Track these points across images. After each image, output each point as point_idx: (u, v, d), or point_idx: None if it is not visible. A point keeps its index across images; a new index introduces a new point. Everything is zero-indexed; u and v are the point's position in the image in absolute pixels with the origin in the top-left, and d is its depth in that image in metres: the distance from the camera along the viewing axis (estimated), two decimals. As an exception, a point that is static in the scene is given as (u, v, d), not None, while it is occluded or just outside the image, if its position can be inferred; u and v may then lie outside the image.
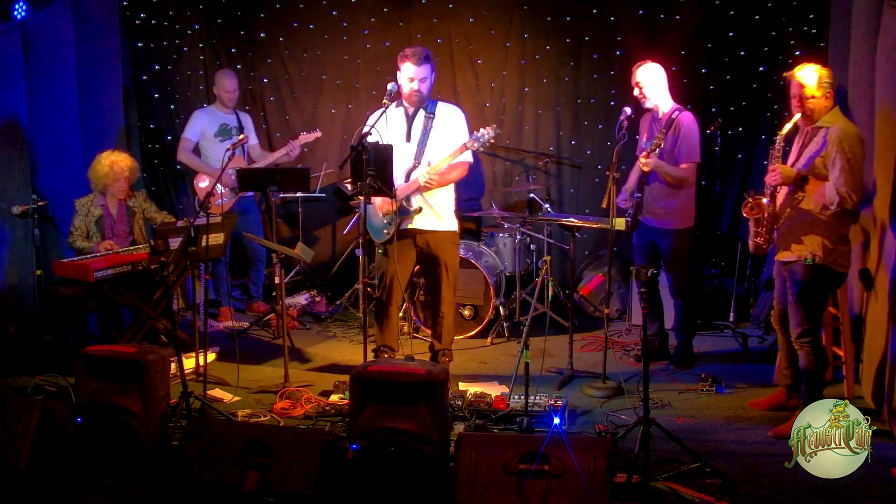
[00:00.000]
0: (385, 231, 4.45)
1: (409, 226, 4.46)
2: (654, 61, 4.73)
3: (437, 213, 4.49)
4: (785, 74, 3.87)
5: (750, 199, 3.87)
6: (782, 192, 3.87)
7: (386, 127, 4.31)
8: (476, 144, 4.37)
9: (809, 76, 3.71)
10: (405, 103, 4.47)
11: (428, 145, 4.45)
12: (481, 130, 4.35)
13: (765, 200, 3.85)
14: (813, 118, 3.76)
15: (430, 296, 4.73)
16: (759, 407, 4.22)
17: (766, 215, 3.87)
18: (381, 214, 4.46)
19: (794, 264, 3.82)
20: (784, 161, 3.90)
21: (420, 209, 4.42)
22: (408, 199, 4.42)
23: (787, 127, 3.81)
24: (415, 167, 4.44)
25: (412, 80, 4.36)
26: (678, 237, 4.77)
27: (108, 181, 5.01)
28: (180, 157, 6.06)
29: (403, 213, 4.41)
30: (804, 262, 3.76)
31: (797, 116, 3.79)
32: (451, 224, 4.57)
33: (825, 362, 4.00)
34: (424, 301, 5.46)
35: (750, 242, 4.01)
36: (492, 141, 4.39)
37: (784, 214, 3.85)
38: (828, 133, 3.69)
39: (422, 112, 4.47)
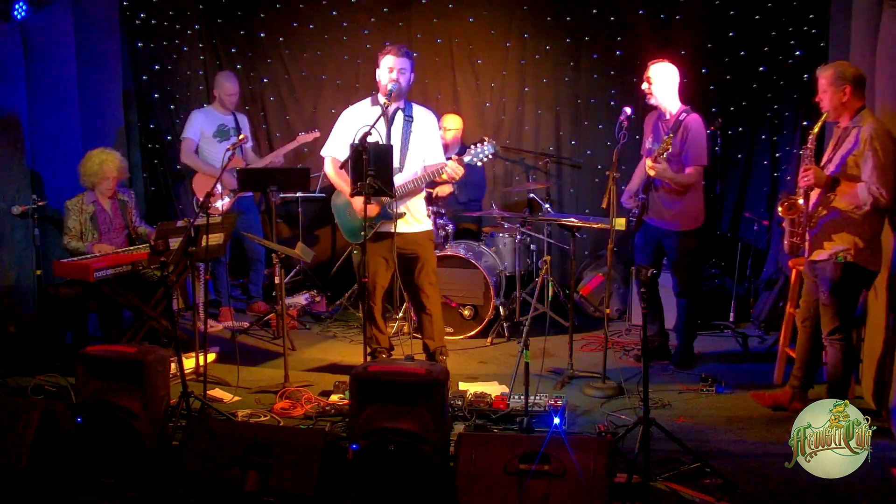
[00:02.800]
0: (362, 233, 4.41)
1: (387, 229, 4.43)
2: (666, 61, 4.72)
3: (414, 217, 4.53)
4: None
5: (786, 200, 3.91)
6: (815, 193, 3.88)
7: (367, 127, 4.26)
8: (475, 160, 4.37)
9: (825, 71, 3.80)
10: (381, 100, 4.45)
11: (410, 149, 4.46)
12: (479, 146, 4.34)
13: (800, 201, 3.88)
14: (836, 112, 3.80)
15: (412, 297, 4.70)
16: (761, 399, 4.22)
17: (800, 216, 3.90)
18: (359, 217, 4.34)
19: (825, 262, 3.85)
20: (818, 161, 3.93)
21: (404, 213, 4.43)
22: (393, 203, 4.40)
23: (818, 126, 3.86)
24: (398, 171, 4.43)
25: (392, 69, 4.38)
26: (684, 238, 4.75)
27: (97, 179, 5.05)
28: (184, 159, 6.04)
29: (387, 216, 4.39)
30: (835, 261, 3.80)
31: (824, 115, 3.84)
32: (427, 224, 4.65)
33: (853, 361, 4.03)
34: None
35: (785, 242, 4.03)
36: (490, 156, 4.41)
37: (817, 214, 3.87)
38: (860, 132, 3.72)
39: (400, 114, 4.48)
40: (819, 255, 3.88)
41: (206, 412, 4.02)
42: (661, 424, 3.53)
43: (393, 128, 4.47)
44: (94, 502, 3.38)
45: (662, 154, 4.52)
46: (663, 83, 4.67)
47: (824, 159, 3.95)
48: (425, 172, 4.48)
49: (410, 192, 4.46)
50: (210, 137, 5.96)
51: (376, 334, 4.69)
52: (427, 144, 4.51)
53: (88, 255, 4.85)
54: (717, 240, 6.27)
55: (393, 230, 4.33)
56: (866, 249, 3.77)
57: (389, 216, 4.37)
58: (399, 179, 4.41)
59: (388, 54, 4.41)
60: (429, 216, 4.78)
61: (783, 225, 4.06)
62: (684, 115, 4.65)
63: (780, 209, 3.93)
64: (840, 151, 3.82)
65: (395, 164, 4.41)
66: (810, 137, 3.87)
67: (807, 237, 3.92)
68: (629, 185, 5.00)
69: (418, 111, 4.54)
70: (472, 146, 4.40)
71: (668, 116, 4.73)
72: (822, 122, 3.86)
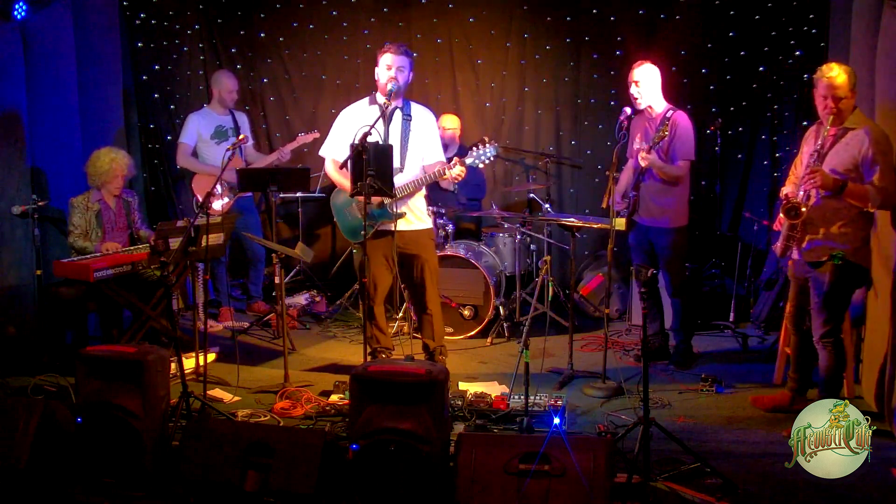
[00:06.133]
0: (362, 232, 4.40)
1: (387, 227, 4.41)
2: (651, 62, 4.73)
3: (415, 215, 4.53)
4: (814, 77, 3.77)
5: (788, 204, 3.77)
6: (814, 194, 3.80)
7: (367, 127, 4.22)
8: (477, 162, 4.36)
9: (842, 76, 3.67)
10: (379, 100, 4.45)
11: (409, 148, 4.46)
12: (481, 148, 4.33)
13: (802, 209, 3.77)
14: (843, 119, 3.73)
15: (413, 296, 4.72)
16: (760, 404, 4.22)
17: (802, 219, 3.79)
18: (359, 215, 4.34)
19: (822, 265, 3.81)
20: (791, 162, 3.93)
21: (404, 213, 4.42)
22: (393, 203, 4.39)
23: (827, 128, 3.75)
24: (399, 171, 4.43)
25: (390, 67, 4.38)
26: (675, 235, 4.77)
27: (107, 178, 5.04)
28: (180, 163, 6.03)
29: (386, 216, 4.38)
30: (833, 263, 3.76)
31: (831, 119, 3.71)
32: (427, 223, 4.64)
33: (845, 361, 4.02)
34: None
35: (779, 244, 3.95)
36: (492, 158, 4.40)
37: (816, 216, 3.80)
38: (859, 135, 3.66)
39: (398, 113, 4.47)
40: (817, 258, 3.83)
41: (206, 412, 4.01)
42: (661, 424, 3.53)
43: (391, 127, 4.46)
44: (94, 502, 3.38)
45: (657, 143, 4.54)
46: (649, 84, 4.69)
47: (806, 160, 3.86)
48: (426, 174, 4.46)
49: (411, 193, 4.46)
50: (208, 140, 5.94)
51: (377, 334, 4.67)
52: (426, 143, 4.51)
53: (97, 254, 4.85)
54: (717, 240, 6.27)
55: (393, 229, 4.32)
56: (864, 248, 3.79)
57: (390, 216, 4.36)
58: (400, 180, 4.40)
59: (386, 52, 4.40)
60: (429, 215, 4.77)
61: (777, 227, 4.02)
62: (671, 112, 4.69)
63: (782, 213, 3.82)
64: (834, 154, 3.72)
65: (396, 163, 4.40)
66: (820, 140, 3.77)
67: (805, 239, 3.86)
68: (618, 185, 4.97)
69: (417, 110, 4.54)
70: (474, 147, 4.37)
71: (654, 115, 4.75)
72: (818, 124, 3.81)
